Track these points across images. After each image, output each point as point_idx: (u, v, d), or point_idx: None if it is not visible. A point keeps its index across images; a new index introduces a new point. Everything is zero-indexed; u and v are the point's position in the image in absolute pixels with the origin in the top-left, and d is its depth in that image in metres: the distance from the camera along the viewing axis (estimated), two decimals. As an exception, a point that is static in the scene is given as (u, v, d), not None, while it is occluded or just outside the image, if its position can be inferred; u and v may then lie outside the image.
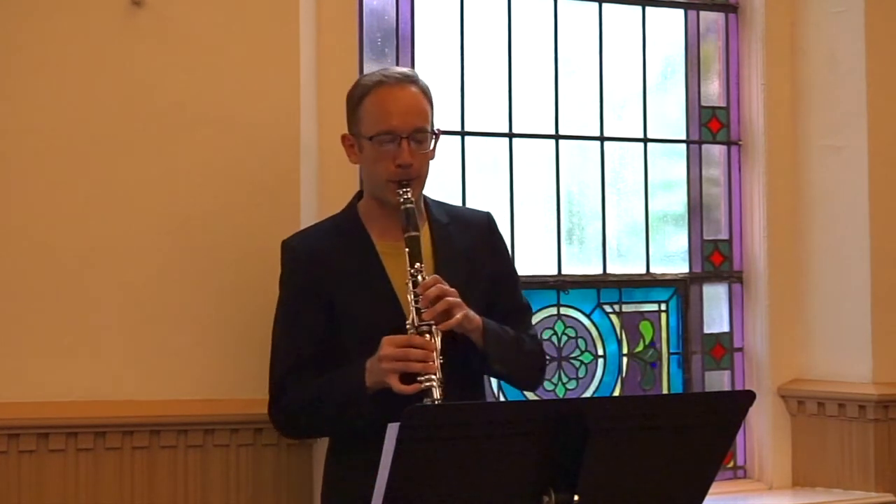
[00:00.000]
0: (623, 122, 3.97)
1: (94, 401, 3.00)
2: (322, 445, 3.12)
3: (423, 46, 3.63)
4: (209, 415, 3.06)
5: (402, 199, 2.70)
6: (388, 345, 2.61)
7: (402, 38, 3.60)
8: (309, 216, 3.20)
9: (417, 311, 2.62)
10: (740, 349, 4.07)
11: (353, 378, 2.65)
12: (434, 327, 2.61)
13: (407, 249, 2.67)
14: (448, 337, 2.64)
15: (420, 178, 2.78)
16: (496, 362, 2.75)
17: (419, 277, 2.64)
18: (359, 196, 2.91)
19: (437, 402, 2.52)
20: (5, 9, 2.98)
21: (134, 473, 3.01)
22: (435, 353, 2.59)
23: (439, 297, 2.63)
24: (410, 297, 2.64)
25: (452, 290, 2.66)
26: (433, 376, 2.56)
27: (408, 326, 2.63)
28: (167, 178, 3.08)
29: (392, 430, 2.00)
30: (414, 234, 2.68)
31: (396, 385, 2.57)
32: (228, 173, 3.13)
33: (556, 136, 3.84)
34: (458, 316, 2.64)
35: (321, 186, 3.30)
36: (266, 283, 2.97)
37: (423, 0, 3.64)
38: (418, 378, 2.56)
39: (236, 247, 3.12)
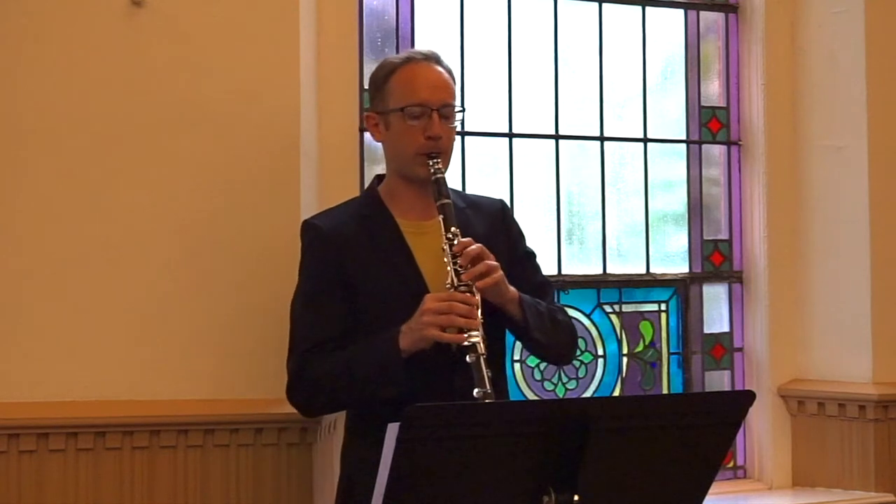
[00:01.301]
0: (623, 122, 3.97)
1: (94, 401, 3.00)
2: (323, 445, 3.12)
3: (423, 46, 3.63)
4: (209, 415, 3.06)
5: (432, 171, 2.72)
6: (432, 300, 2.60)
7: (402, 38, 3.60)
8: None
9: (456, 272, 2.62)
10: (740, 349, 4.07)
11: (386, 342, 2.62)
12: (474, 287, 2.61)
13: (441, 217, 2.68)
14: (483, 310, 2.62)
15: (447, 153, 2.80)
16: (536, 331, 2.73)
17: (455, 241, 2.65)
18: (376, 182, 2.91)
19: (483, 357, 2.52)
20: (5, 9, 2.98)
21: (134, 473, 3.01)
22: (478, 310, 2.59)
23: (479, 257, 2.63)
24: (448, 259, 2.63)
25: (489, 253, 2.67)
26: (477, 332, 2.55)
27: (447, 286, 2.62)
28: (167, 178, 3.08)
29: (392, 430, 1.99)
30: (447, 201, 2.69)
31: (439, 335, 2.56)
32: (228, 173, 3.13)
33: (556, 136, 3.84)
34: (496, 275, 2.64)
35: (321, 186, 3.30)
36: (266, 282, 2.98)
37: (423, 0, 3.64)
38: (463, 333, 2.55)
39: (236, 247, 3.12)
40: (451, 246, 2.64)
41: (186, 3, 3.12)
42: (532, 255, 2.97)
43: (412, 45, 3.60)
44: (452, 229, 2.66)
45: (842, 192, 3.94)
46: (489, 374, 2.53)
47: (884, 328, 3.88)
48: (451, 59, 3.62)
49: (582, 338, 3.85)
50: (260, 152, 3.16)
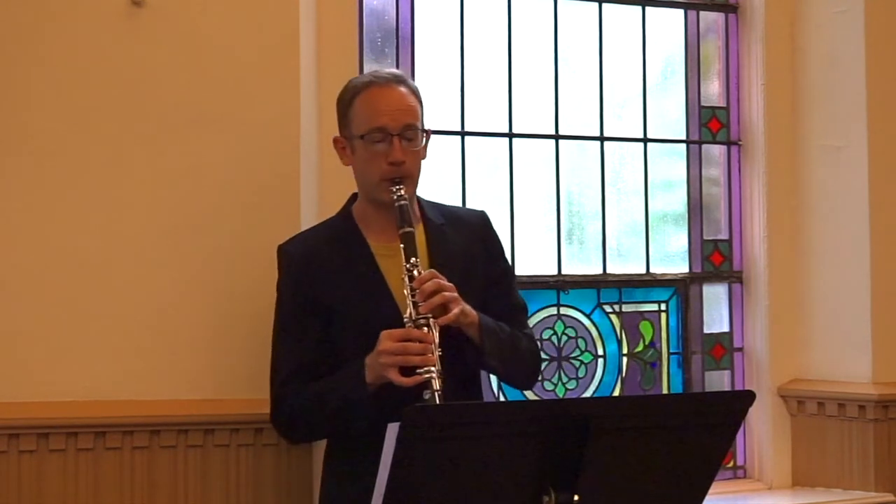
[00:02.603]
0: (623, 122, 3.97)
1: (94, 401, 3.00)
2: (323, 445, 3.12)
3: (423, 46, 3.63)
4: (209, 415, 3.06)
5: (395, 196, 2.71)
6: (387, 339, 2.61)
7: (402, 38, 3.60)
8: (309, 216, 3.20)
9: (415, 304, 2.63)
10: (740, 349, 4.07)
11: (353, 377, 2.66)
12: (431, 320, 2.62)
13: (402, 245, 2.68)
14: (444, 331, 2.64)
15: (412, 177, 2.79)
16: (492, 358, 2.75)
17: (415, 272, 2.65)
18: (353, 199, 2.92)
19: (437, 392, 2.54)
20: (5, 9, 2.98)
21: (134, 473, 3.01)
22: (433, 346, 2.59)
23: (436, 292, 2.63)
24: (407, 291, 2.64)
25: (449, 284, 2.67)
26: (432, 368, 2.56)
27: (405, 320, 2.64)
28: (167, 178, 3.08)
29: (392, 430, 2.00)
30: (409, 229, 2.69)
31: (396, 378, 2.58)
32: (228, 173, 3.13)
33: (556, 136, 3.84)
34: (456, 310, 2.65)
35: (321, 187, 3.30)
36: (266, 283, 2.97)
37: (423, 0, 3.64)
38: (417, 371, 2.57)
39: (236, 247, 3.12)
40: (410, 278, 2.65)
41: (186, 3, 3.11)
42: (510, 274, 2.98)
43: (412, 45, 3.60)
44: (412, 260, 2.66)
45: (842, 192, 3.94)
46: None
47: (884, 328, 3.88)
48: (451, 59, 3.66)
49: (582, 338, 3.85)
50: (260, 152, 3.16)
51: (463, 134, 3.67)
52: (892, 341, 3.89)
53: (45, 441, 2.95)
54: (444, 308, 2.64)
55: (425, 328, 2.61)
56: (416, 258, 2.67)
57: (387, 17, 3.60)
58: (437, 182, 3.41)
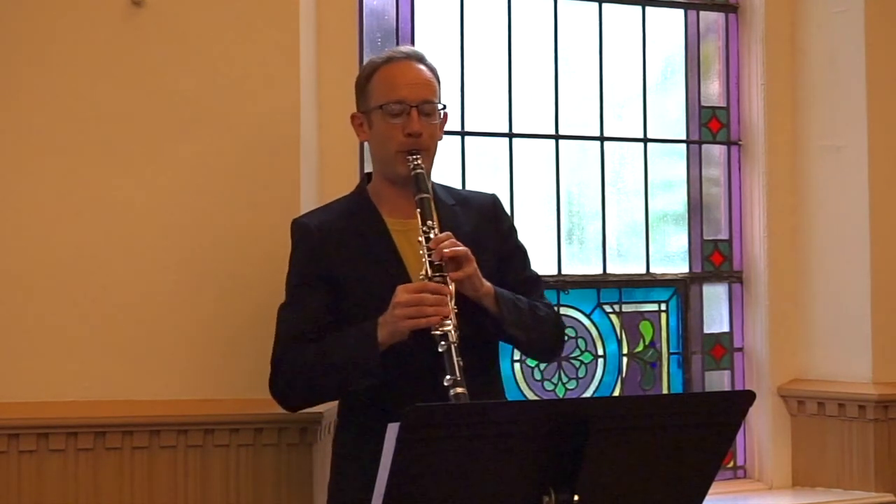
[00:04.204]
0: (623, 122, 3.97)
1: (94, 401, 3.00)
2: (323, 445, 3.12)
3: (424, 46, 3.62)
4: (209, 415, 3.06)
5: (412, 166, 2.73)
6: (402, 292, 2.61)
7: (402, 39, 3.60)
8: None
9: (430, 264, 2.62)
10: (740, 349, 4.07)
11: (364, 332, 2.64)
12: (447, 278, 2.61)
13: (418, 210, 2.68)
14: (462, 304, 2.63)
15: (429, 150, 2.80)
16: (512, 326, 2.73)
17: (431, 234, 2.65)
18: (367, 179, 2.91)
19: (454, 344, 2.53)
20: (5, 9, 2.98)
21: (134, 473, 3.01)
22: (449, 299, 2.59)
23: (452, 245, 2.64)
24: (423, 252, 2.64)
25: (465, 248, 2.67)
26: (448, 321, 2.56)
27: (421, 277, 2.63)
28: (167, 177, 3.08)
29: (392, 430, 1.99)
30: (425, 195, 2.70)
31: (414, 323, 2.57)
32: (229, 172, 3.13)
33: (556, 136, 3.84)
34: (468, 266, 2.64)
35: (321, 186, 3.31)
36: (266, 283, 2.97)
37: (423, 0, 3.64)
38: (433, 330, 2.56)
39: (236, 246, 3.12)
40: (426, 239, 2.65)
41: (186, 3, 3.11)
42: (521, 251, 2.96)
43: (412, 45, 3.60)
44: (429, 222, 2.67)
45: (842, 192, 3.94)
46: (460, 362, 2.52)
47: (884, 328, 3.88)
48: (451, 59, 3.66)
49: (582, 338, 3.85)
50: (260, 152, 3.16)
51: (463, 134, 3.67)
52: (892, 341, 3.89)
53: (45, 441, 2.95)
54: (458, 265, 2.64)
55: (440, 284, 2.61)
56: (433, 220, 2.67)
57: (387, 17, 3.60)
58: (437, 182, 3.40)
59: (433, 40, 3.66)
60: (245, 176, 3.14)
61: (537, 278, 2.96)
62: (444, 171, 3.55)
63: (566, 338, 3.03)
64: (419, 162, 2.73)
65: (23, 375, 2.96)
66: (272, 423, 3.07)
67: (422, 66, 2.82)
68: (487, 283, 2.70)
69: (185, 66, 3.10)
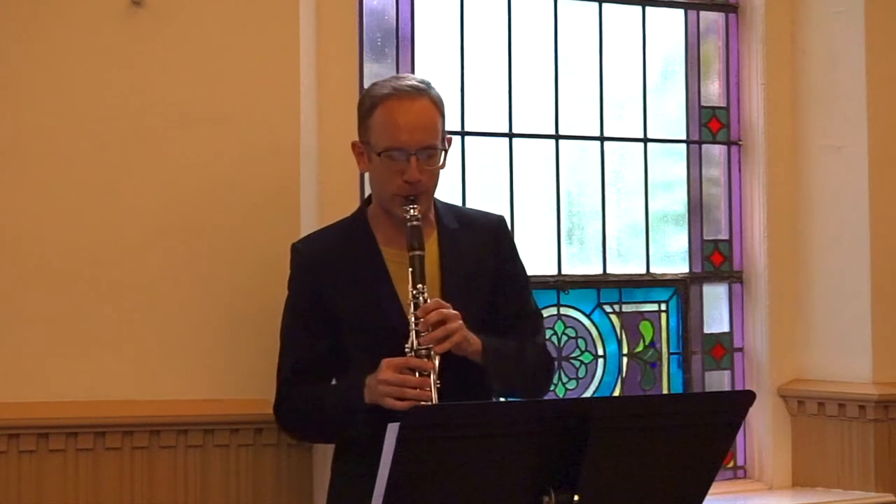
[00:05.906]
0: (623, 122, 3.97)
1: (94, 401, 3.00)
2: (322, 446, 3.12)
3: (423, 46, 3.63)
4: (209, 415, 3.07)
5: (408, 216, 2.70)
6: (387, 368, 2.63)
7: (402, 39, 3.60)
8: (309, 218, 3.20)
9: (417, 333, 2.63)
10: (740, 349, 4.07)
11: (352, 392, 2.70)
12: (433, 351, 2.63)
13: (410, 269, 2.67)
14: (448, 355, 2.65)
15: (428, 192, 2.79)
16: (497, 381, 2.78)
17: (420, 299, 2.65)
18: (368, 200, 2.92)
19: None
20: (5, 9, 2.98)
21: (134, 473, 3.01)
22: (432, 377, 2.61)
23: (440, 323, 2.63)
24: (411, 318, 2.65)
25: (454, 312, 2.66)
26: (427, 402, 2.57)
27: (406, 349, 2.64)
28: (167, 179, 3.08)
29: (392, 430, 2.00)
30: (419, 253, 2.68)
31: (394, 405, 2.59)
32: (228, 174, 3.13)
33: (556, 136, 3.84)
34: (455, 338, 2.64)
35: (321, 188, 3.30)
36: (266, 283, 2.98)
37: (423, 0, 3.64)
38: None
39: (236, 248, 3.12)
40: (415, 306, 2.64)
41: (186, 3, 3.11)
42: (522, 278, 2.95)
43: (412, 45, 3.60)
44: (419, 286, 2.65)
45: (842, 192, 3.94)
46: None
47: (884, 328, 3.88)
48: (451, 59, 3.66)
49: (582, 338, 3.85)
50: (260, 152, 3.16)
51: (463, 134, 3.67)
52: (892, 341, 3.89)
53: (45, 441, 2.95)
54: (446, 337, 2.64)
55: (426, 358, 2.62)
56: (424, 284, 2.66)
57: (387, 18, 3.60)
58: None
59: (433, 40, 3.66)
60: (244, 177, 3.14)
61: (536, 313, 2.96)
62: (444, 171, 3.55)
63: (555, 372, 3.09)
64: (415, 213, 2.70)
65: (23, 375, 2.96)
66: (272, 423, 3.06)
67: (424, 102, 2.75)
68: (475, 341, 2.70)
69: (185, 66, 3.10)
